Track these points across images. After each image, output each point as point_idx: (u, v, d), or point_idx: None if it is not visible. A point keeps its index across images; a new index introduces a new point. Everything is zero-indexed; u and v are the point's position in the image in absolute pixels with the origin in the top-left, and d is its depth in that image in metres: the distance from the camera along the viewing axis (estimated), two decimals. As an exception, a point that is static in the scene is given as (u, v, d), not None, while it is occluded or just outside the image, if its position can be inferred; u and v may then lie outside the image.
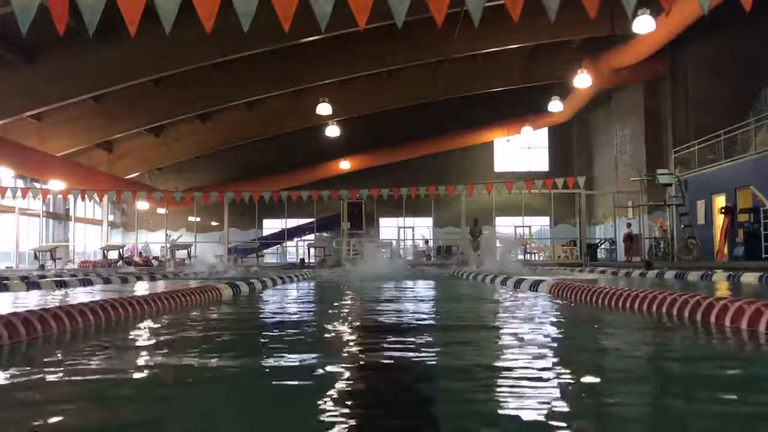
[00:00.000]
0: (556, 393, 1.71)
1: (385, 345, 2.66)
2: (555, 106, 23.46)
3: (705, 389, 1.80)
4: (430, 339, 2.88)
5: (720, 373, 2.09)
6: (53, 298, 5.75)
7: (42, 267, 18.58)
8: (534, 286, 5.73)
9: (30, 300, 5.57)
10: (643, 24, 15.23)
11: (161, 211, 26.61)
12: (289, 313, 4.48)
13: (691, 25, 16.31)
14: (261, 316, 4.41)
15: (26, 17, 3.92)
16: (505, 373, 1.96)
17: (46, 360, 2.35)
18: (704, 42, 19.49)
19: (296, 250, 25.88)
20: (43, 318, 2.91)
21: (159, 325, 3.42)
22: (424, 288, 7.32)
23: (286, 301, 5.66)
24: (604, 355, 2.49)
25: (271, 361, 2.25)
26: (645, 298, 3.68)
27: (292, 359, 2.30)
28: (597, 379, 1.97)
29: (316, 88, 21.49)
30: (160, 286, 8.41)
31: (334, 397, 1.63)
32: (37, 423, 1.47)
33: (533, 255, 23.57)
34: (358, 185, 22.26)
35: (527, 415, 1.46)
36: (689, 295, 3.38)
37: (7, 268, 19.09)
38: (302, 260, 22.12)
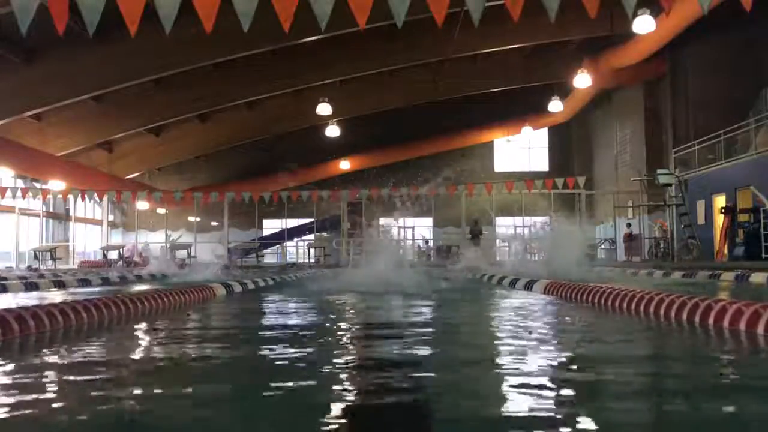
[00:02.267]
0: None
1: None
2: (555, 106, 23.44)
3: (703, 392, 1.80)
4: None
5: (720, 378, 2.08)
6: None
7: (29, 267, 17.76)
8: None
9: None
10: (643, 24, 15.21)
11: (161, 211, 26.58)
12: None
13: (691, 25, 16.29)
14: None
15: (26, 17, 3.91)
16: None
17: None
18: (704, 42, 19.46)
19: (296, 250, 25.85)
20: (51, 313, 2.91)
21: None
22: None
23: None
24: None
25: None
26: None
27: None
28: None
29: (316, 88, 21.48)
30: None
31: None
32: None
33: (533, 255, 23.49)
34: (358, 185, 22.23)
35: None
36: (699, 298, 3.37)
37: (6, 268, 18.99)
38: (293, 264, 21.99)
